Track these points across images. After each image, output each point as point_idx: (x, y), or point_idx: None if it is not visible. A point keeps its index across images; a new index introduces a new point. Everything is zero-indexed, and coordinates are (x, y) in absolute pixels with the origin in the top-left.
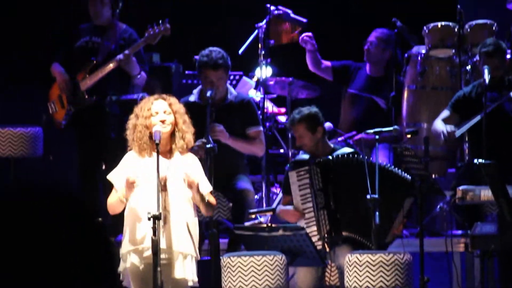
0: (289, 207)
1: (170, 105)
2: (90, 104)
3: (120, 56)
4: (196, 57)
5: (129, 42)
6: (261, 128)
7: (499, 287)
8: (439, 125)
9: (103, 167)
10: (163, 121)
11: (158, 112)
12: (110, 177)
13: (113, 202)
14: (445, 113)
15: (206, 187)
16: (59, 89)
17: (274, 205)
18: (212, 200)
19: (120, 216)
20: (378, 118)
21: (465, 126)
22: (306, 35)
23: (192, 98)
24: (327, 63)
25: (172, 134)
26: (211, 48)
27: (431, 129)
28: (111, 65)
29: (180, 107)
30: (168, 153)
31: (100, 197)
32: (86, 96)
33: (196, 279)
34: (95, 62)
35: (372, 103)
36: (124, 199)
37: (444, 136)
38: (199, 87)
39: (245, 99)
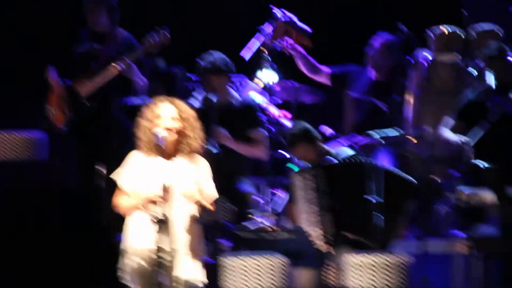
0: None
1: (178, 110)
2: (91, 110)
3: (121, 65)
4: (199, 61)
5: (130, 49)
6: (264, 131)
7: None
8: (449, 134)
9: (105, 171)
10: (168, 128)
11: (164, 117)
12: (117, 177)
13: (126, 207)
14: (451, 122)
15: (210, 194)
16: (57, 98)
17: (278, 208)
18: (211, 207)
19: (119, 216)
20: (381, 122)
21: (477, 136)
22: (281, 39)
23: (195, 102)
24: (326, 69)
25: (179, 138)
26: (213, 53)
27: (440, 139)
28: (111, 72)
29: (189, 113)
30: (175, 156)
31: (101, 199)
32: (87, 102)
33: (205, 280)
34: (95, 68)
35: (374, 107)
36: (143, 208)
37: (458, 145)
38: (202, 91)
39: (247, 102)
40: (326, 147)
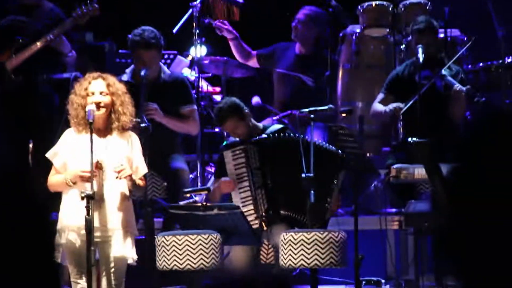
0: (223, 178)
1: (108, 85)
2: (17, 84)
3: (50, 36)
4: (130, 36)
5: (56, 21)
6: (195, 107)
7: (432, 264)
8: (379, 106)
9: (31, 147)
10: (98, 103)
11: (94, 93)
12: (50, 155)
13: (57, 184)
14: (380, 96)
15: (141, 169)
16: None
17: (209, 185)
18: (141, 183)
19: (54, 195)
20: (307, 97)
21: (409, 103)
22: (219, 21)
23: (125, 77)
24: (253, 52)
25: (110, 114)
26: (143, 27)
27: (371, 114)
28: (39, 44)
29: (118, 88)
30: (106, 132)
31: (31, 177)
32: (13, 76)
33: (135, 256)
34: (21, 41)
35: (300, 82)
36: (71, 184)
37: (390, 111)
38: (132, 66)
39: (178, 77)
40: (255, 122)
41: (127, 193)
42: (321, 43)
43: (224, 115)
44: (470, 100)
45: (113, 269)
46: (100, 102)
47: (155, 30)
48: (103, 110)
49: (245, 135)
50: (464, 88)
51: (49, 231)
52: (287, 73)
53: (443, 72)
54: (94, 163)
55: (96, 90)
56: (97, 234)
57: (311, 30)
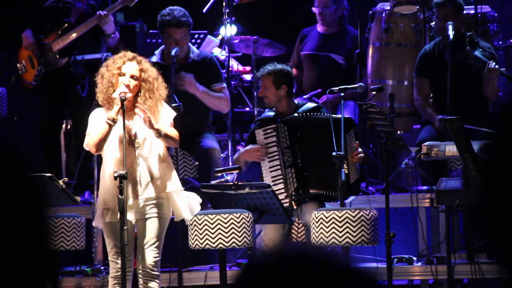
0: (248, 147)
1: (140, 70)
2: (63, 65)
3: (101, 12)
4: (159, 16)
5: (100, 3)
6: (225, 85)
7: (464, 241)
8: (428, 108)
9: (66, 126)
10: (126, 86)
11: (126, 74)
12: (86, 144)
13: (97, 133)
14: (417, 82)
15: (166, 121)
16: (28, 54)
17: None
18: (171, 132)
19: (85, 175)
20: (338, 75)
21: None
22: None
23: (154, 58)
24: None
25: (136, 97)
26: (171, 7)
27: (416, 105)
28: (87, 25)
29: (149, 75)
30: (133, 113)
31: (62, 157)
32: (58, 57)
33: (187, 215)
34: (68, 23)
35: (330, 61)
36: (117, 118)
37: (439, 126)
38: (162, 47)
39: (207, 56)
40: (291, 99)
41: (165, 154)
42: (344, 21)
43: (267, 71)
44: (509, 79)
45: (149, 247)
46: (128, 85)
47: (183, 9)
48: (129, 94)
49: (271, 103)
50: (497, 67)
51: (46, 220)
52: (316, 54)
53: (476, 53)
54: (127, 136)
55: (128, 72)
56: (133, 214)
57: (336, 12)
